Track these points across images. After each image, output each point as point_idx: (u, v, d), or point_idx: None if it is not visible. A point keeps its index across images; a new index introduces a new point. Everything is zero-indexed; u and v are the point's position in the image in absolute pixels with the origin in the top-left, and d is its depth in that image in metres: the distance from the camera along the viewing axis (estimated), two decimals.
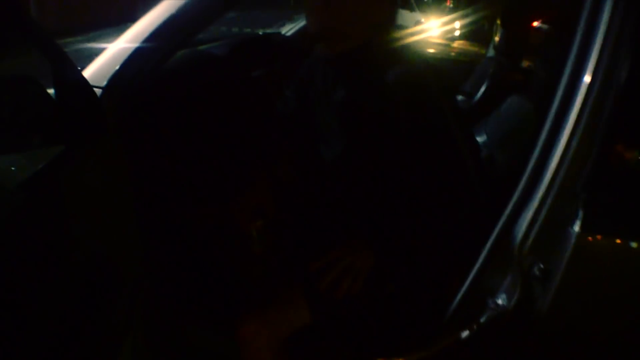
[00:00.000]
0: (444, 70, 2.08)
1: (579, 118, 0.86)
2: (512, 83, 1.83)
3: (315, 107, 1.27)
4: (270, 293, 1.18)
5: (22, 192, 0.83)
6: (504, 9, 2.08)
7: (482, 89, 1.99)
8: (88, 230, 0.94)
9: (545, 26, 1.97)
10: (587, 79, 0.86)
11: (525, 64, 2.15)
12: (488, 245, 1.03)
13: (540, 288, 0.95)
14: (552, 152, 0.90)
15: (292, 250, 1.26)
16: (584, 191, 0.87)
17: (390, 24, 1.13)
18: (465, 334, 1.14)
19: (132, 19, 1.13)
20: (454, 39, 5.12)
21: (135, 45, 1.06)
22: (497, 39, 2.12)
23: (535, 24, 2.01)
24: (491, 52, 2.28)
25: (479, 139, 1.61)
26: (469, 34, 4.90)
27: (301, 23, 2.50)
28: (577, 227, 0.86)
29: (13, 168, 1.03)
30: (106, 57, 1.05)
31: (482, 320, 1.11)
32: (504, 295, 1.04)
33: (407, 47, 1.13)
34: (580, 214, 0.86)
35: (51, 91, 0.92)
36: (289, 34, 2.38)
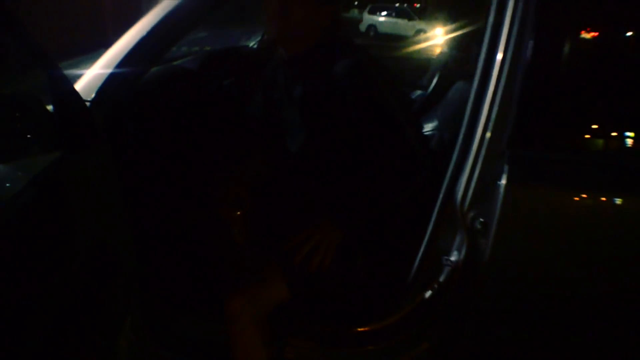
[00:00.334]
0: (388, 64, 2.24)
1: (496, 89, 1.02)
2: (461, 72, 2.00)
3: (280, 105, 1.41)
4: (252, 273, 1.30)
5: (30, 189, 0.94)
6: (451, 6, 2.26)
7: (434, 82, 2.16)
8: (87, 223, 1.05)
9: None
10: (499, 56, 1.02)
11: None
12: (436, 208, 1.17)
13: (482, 240, 1.09)
14: (478, 119, 1.05)
15: (269, 234, 1.39)
16: (507, 149, 1.02)
17: (335, 27, 1.28)
18: (428, 294, 1.28)
19: (105, 45, 1.27)
20: None
21: (115, 63, 1.20)
22: None
23: None
24: (445, 48, 2.47)
25: (431, 124, 1.77)
26: None
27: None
28: (504, 180, 1.01)
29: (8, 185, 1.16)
30: (92, 75, 1.18)
31: (441, 279, 1.25)
32: (455, 252, 1.18)
33: (352, 45, 1.29)
34: (506, 168, 1.01)
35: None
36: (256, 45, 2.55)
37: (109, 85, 1.20)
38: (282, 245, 1.29)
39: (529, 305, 1.12)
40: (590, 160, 1.06)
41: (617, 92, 1.05)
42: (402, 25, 15.59)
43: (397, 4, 18.00)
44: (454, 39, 2.17)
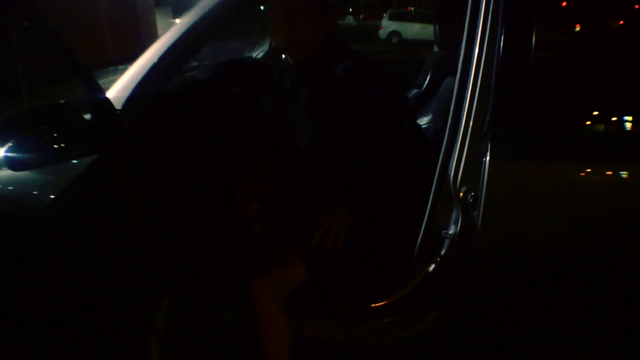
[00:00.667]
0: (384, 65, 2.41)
1: (476, 78, 1.18)
2: (451, 69, 2.15)
3: (288, 107, 1.58)
4: (272, 257, 1.45)
5: (74, 188, 1.10)
6: (437, 7, 2.44)
7: (427, 79, 2.32)
8: (125, 217, 1.21)
9: None
10: (476, 51, 1.18)
11: None
12: (433, 186, 1.32)
13: (474, 212, 1.24)
14: (463, 106, 1.20)
15: (285, 222, 1.54)
16: (489, 129, 1.18)
17: (334, 34, 1.45)
18: (432, 267, 1.42)
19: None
20: None
21: (141, 74, 1.37)
22: None
23: None
24: (436, 48, 2.63)
25: (427, 118, 1.93)
26: None
27: (267, 47, 2.86)
28: (488, 157, 1.16)
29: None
30: (120, 85, 1.36)
31: (442, 252, 1.39)
32: (453, 226, 1.32)
33: (350, 49, 1.45)
34: (489, 146, 1.16)
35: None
36: (259, 56, 2.74)
37: (136, 94, 1.37)
38: (298, 230, 1.44)
39: (518, 267, 1.26)
40: (559, 135, 1.22)
41: (578, 76, 1.21)
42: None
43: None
44: (439, 38, 2.32)
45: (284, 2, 1.33)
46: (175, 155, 1.61)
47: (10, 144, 1.11)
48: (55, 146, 1.13)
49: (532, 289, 1.29)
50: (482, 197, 1.18)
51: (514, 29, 1.14)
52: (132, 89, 1.33)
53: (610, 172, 1.18)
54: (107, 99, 1.26)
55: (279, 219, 1.56)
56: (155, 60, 1.38)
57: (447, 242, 1.35)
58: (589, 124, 1.26)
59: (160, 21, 18.96)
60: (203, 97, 1.78)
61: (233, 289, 1.52)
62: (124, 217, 1.22)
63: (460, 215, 1.27)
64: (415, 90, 2.50)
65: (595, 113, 1.24)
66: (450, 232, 1.33)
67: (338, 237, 1.41)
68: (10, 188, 1.45)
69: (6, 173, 1.82)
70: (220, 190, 1.59)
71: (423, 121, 1.93)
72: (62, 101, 1.17)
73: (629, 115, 1.22)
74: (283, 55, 2.44)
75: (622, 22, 1.29)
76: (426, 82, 2.31)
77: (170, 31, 1.42)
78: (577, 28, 1.25)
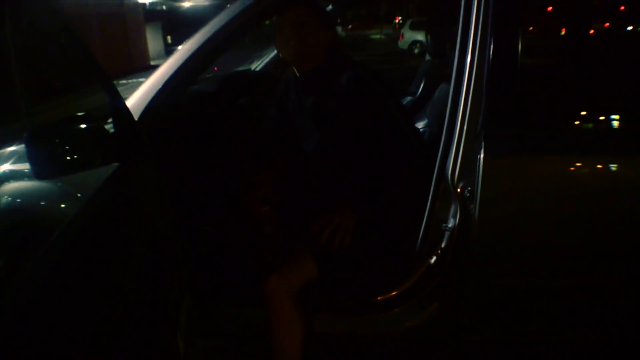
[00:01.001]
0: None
1: (469, 83, 1.30)
2: (443, 77, 2.29)
3: (293, 115, 1.69)
4: (283, 256, 1.55)
5: (102, 194, 1.19)
6: (428, 20, 2.58)
7: (421, 86, 2.45)
8: (147, 221, 1.31)
9: None
10: (468, 59, 1.30)
11: None
12: (432, 183, 1.43)
13: (471, 205, 1.35)
14: (458, 108, 1.32)
15: (295, 223, 1.64)
16: (482, 129, 1.30)
17: (336, 46, 1.56)
18: (433, 259, 1.52)
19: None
20: None
21: (157, 87, 1.48)
22: None
23: None
24: (428, 57, 2.77)
25: (422, 123, 2.05)
26: None
27: (266, 59, 2.98)
28: (482, 154, 1.28)
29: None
30: (137, 96, 1.46)
31: (443, 245, 1.49)
32: (452, 219, 1.43)
33: (351, 61, 1.57)
34: (483, 145, 1.28)
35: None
36: (258, 68, 2.87)
37: (153, 104, 1.48)
38: (308, 230, 1.54)
39: (514, 255, 1.37)
40: (546, 133, 1.34)
41: (560, 78, 1.33)
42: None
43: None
44: (431, 47, 2.46)
45: (291, 18, 1.45)
46: (188, 163, 1.71)
47: (34, 154, 1.20)
48: (78, 156, 1.22)
49: (527, 275, 1.40)
50: (478, 191, 1.30)
51: (502, 40, 1.26)
52: (150, 99, 1.44)
53: (592, 165, 1.30)
54: (127, 109, 1.36)
55: (289, 220, 1.66)
56: (171, 72, 1.49)
57: (447, 234, 1.45)
58: (572, 122, 1.39)
59: (150, 37, 19.14)
60: (211, 109, 1.88)
61: (246, 289, 1.61)
62: (146, 221, 1.31)
63: (459, 209, 1.38)
64: (409, 98, 2.63)
65: (578, 111, 1.37)
66: (450, 225, 1.43)
67: (345, 235, 1.51)
68: (34, 196, 1.54)
69: (23, 184, 1.94)
70: (232, 195, 1.69)
71: (419, 126, 2.04)
72: (83, 112, 1.26)
73: (608, 112, 1.34)
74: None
75: (598, 29, 1.42)
76: (420, 89, 2.44)
77: (184, 46, 1.53)
78: (559, 35, 1.38)
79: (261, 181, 1.66)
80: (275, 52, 2.98)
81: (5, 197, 2.10)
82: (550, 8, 1.32)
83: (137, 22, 17.90)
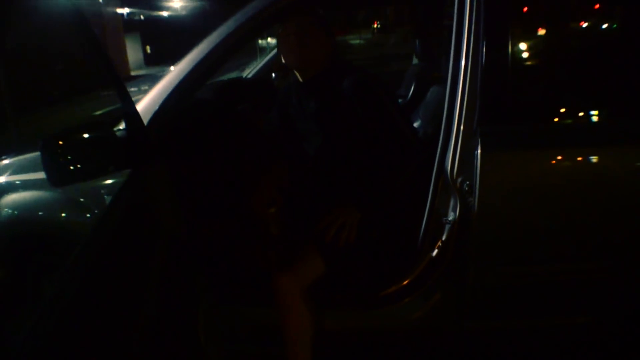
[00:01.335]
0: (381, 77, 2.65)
1: (464, 85, 1.39)
2: (432, 79, 2.39)
3: (295, 119, 1.76)
4: (292, 255, 1.61)
5: (124, 194, 1.23)
6: (417, 25, 2.69)
7: (412, 89, 2.55)
8: (164, 224, 1.36)
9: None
10: (463, 62, 1.40)
11: None
12: (432, 179, 1.51)
13: (470, 198, 1.43)
14: (455, 107, 1.41)
15: (300, 222, 1.70)
16: (478, 126, 1.39)
17: (336, 52, 1.64)
18: (435, 252, 1.60)
19: None
20: None
21: (164, 94, 1.54)
22: None
23: None
24: (415, 61, 2.87)
25: (416, 124, 2.14)
26: None
27: (258, 67, 3.06)
28: (479, 150, 1.37)
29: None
30: (146, 102, 1.51)
31: (443, 237, 1.57)
32: (452, 213, 1.51)
33: (351, 66, 1.65)
34: (479, 141, 1.37)
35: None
36: (250, 75, 2.94)
37: (161, 110, 1.53)
38: (314, 228, 1.61)
39: (512, 244, 1.46)
40: (536, 128, 1.44)
41: (548, 77, 1.44)
42: None
43: None
44: (421, 51, 2.56)
45: (295, 27, 1.53)
46: (193, 168, 1.77)
47: (49, 163, 1.24)
48: (91, 163, 1.27)
49: (525, 262, 1.49)
50: (477, 185, 1.38)
51: (493, 43, 1.36)
52: (159, 105, 1.50)
53: (580, 157, 1.40)
54: (139, 115, 1.41)
55: (294, 220, 1.72)
56: (180, 79, 1.55)
57: (447, 227, 1.52)
58: (561, 117, 1.49)
59: (129, 48, 19.01)
60: (212, 116, 1.94)
61: (254, 289, 1.67)
62: (162, 226, 1.36)
63: (458, 203, 1.46)
64: (399, 100, 2.72)
65: (566, 107, 1.47)
66: (450, 218, 1.51)
67: (350, 232, 1.58)
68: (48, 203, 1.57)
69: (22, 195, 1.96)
70: (238, 198, 1.75)
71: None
72: (96, 120, 1.30)
73: (595, 107, 1.45)
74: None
75: (582, 28, 1.54)
76: (411, 91, 2.54)
77: (191, 54, 1.59)
78: (547, 37, 1.49)
79: (266, 184, 1.72)
80: (266, 60, 3.06)
81: (7, 209, 2.12)
82: (538, 13, 1.42)
83: (117, 32, 17.79)
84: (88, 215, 1.92)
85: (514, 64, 1.39)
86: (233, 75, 3.42)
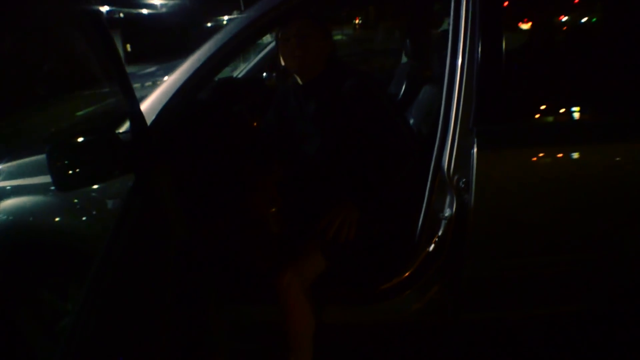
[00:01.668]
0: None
1: (460, 84, 1.44)
2: (424, 78, 2.44)
3: (293, 120, 1.79)
4: (294, 252, 1.64)
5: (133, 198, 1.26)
6: (407, 24, 2.75)
7: (403, 88, 2.60)
8: (171, 227, 1.38)
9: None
10: (459, 62, 1.45)
11: None
12: (429, 177, 1.57)
13: (466, 195, 1.49)
14: (451, 107, 1.47)
15: (301, 221, 1.74)
16: (474, 126, 1.44)
17: (334, 55, 1.68)
18: (432, 246, 1.65)
19: None
20: None
21: (165, 98, 1.56)
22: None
23: None
24: (404, 59, 2.92)
25: (410, 122, 2.19)
26: None
27: (248, 66, 3.08)
28: (475, 149, 1.43)
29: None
30: (148, 104, 1.53)
31: (440, 233, 1.63)
32: (448, 209, 1.57)
33: (349, 67, 1.69)
34: (475, 140, 1.43)
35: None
36: (241, 75, 2.97)
37: (163, 113, 1.55)
38: (315, 225, 1.65)
39: (506, 237, 1.53)
40: (529, 127, 1.50)
41: (541, 78, 1.51)
42: None
43: None
44: (412, 50, 2.61)
45: (295, 30, 1.56)
46: (192, 169, 1.79)
47: (55, 168, 1.25)
48: (97, 168, 1.29)
49: (519, 255, 1.55)
50: (473, 182, 1.44)
51: (489, 45, 1.42)
52: (160, 108, 1.52)
53: (573, 154, 1.47)
54: (144, 119, 1.42)
55: (294, 219, 1.76)
56: (181, 82, 1.57)
57: (444, 223, 1.58)
58: (556, 116, 1.57)
59: None
60: (207, 116, 1.96)
61: (257, 287, 1.70)
62: (170, 228, 1.39)
63: (455, 200, 1.52)
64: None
65: (560, 106, 1.55)
66: (447, 214, 1.57)
67: (350, 229, 1.63)
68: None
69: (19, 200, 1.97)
70: (237, 198, 1.78)
71: None
72: (100, 125, 1.32)
73: (588, 105, 1.53)
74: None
75: (577, 27, 1.61)
76: (402, 90, 2.59)
77: (192, 57, 1.61)
78: (539, 37, 1.55)
79: (266, 184, 1.76)
80: (256, 60, 3.08)
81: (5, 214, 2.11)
82: (533, 13, 1.49)
83: None
84: (84, 218, 1.92)
85: (509, 63, 1.45)
86: (224, 74, 3.42)
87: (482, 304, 1.66)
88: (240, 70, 3.15)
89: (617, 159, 1.48)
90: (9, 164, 2.11)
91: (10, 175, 2.05)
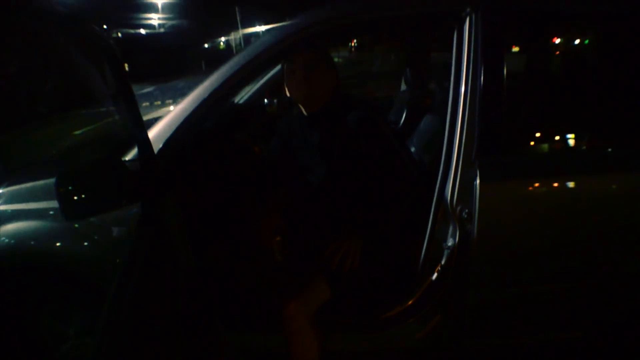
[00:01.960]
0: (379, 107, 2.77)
1: (463, 117, 1.49)
2: (424, 106, 2.50)
3: (298, 150, 1.82)
4: (297, 282, 1.66)
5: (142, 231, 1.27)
6: (408, 53, 2.82)
7: (404, 116, 2.65)
8: (180, 255, 1.40)
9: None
10: (461, 96, 1.50)
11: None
12: (432, 207, 1.60)
13: (469, 225, 1.52)
14: (454, 138, 1.51)
15: (306, 249, 1.76)
16: (477, 158, 1.48)
17: (338, 86, 1.72)
18: (435, 276, 1.67)
19: None
20: None
21: (172, 128, 1.59)
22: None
23: None
24: (404, 87, 2.98)
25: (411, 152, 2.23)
26: None
27: (250, 92, 3.12)
28: (478, 180, 1.46)
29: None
30: (155, 132, 1.56)
31: (443, 262, 1.65)
32: (451, 239, 1.59)
33: (353, 99, 1.73)
34: (478, 172, 1.46)
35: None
36: (242, 101, 3.00)
37: (172, 139, 1.58)
38: (319, 255, 1.66)
39: (508, 267, 1.55)
40: (531, 158, 1.54)
41: (540, 111, 1.55)
42: None
43: None
44: (411, 80, 2.67)
45: (302, 62, 1.60)
46: (198, 196, 1.81)
47: (64, 197, 1.27)
48: (105, 197, 1.30)
49: (521, 283, 1.58)
50: (476, 213, 1.47)
51: (491, 80, 1.47)
52: (167, 137, 1.55)
53: (574, 185, 1.51)
54: (152, 148, 1.45)
55: (298, 248, 1.78)
56: (188, 112, 1.60)
57: (447, 252, 1.61)
58: (555, 148, 1.61)
59: None
60: (211, 142, 1.99)
61: (262, 316, 1.71)
62: (180, 257, 1.41)
63: (457, 230, 1.55)
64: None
65: (558, 138, 1.59)
66: (449, 244, 1.60)
67: (354, 258, 1.65)
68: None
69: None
70: (245, 227, 1.79)
71: None
72: (108, 154, 1.35)
73: (585, 138, 1.57)
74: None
75: (577, 61, 1.67)
76: (403, 118, 2.64)
77: (198, 89, 1.64)
78: (540, 71, 1.61)
79: (271, 212, 1.78)
80: (258, 86, 3.12)
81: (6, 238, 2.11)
82: (532, 48, 1.55)
83: None
84: (85, 243, 1.93)
85: (511, 97, 1.49)
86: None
87: (484, 332, 1.68)
88: (241, 96, 3.19)
89: (624, 188, 1.51)
90: (9, 188, 2.12)
91: (11, 199, 2.06)
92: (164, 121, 1.64)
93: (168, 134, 1.60)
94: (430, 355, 1.75)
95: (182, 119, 1.59)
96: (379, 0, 1.61)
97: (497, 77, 1.47)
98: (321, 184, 1.75)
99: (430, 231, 1.64)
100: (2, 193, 2.16)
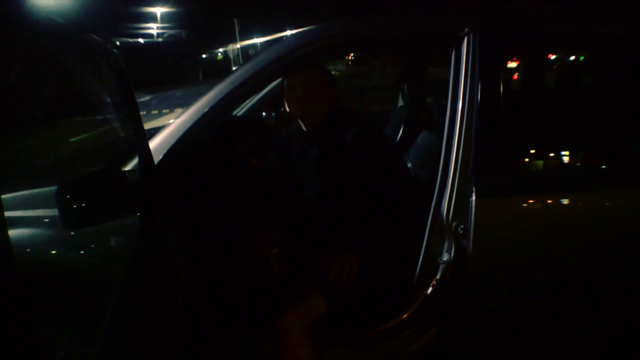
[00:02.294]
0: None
1: (459, 135, 1.52)
2: (421, 123, 2.53)
3: (296, 164, 1.85)
4: (293, 294, 1.67)
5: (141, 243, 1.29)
6: (404, 70, 2.86)
7: (401, 131, 2.68)
8: (178, 267, 1.41)
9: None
10: (458, 114, 1.53)
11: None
12: (428, 222, 1.62)
13: (464, 241, 1.54)
14: (451, 155, 1.54)
15: (303, 262, 1.77)
16: (473, 174, 1.51)
17: (337, 101, 1.75)
18: (430, 290, 1.69)
19: None
20: None
21: (171, 141, 1.61)
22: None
23: None
24: (401, 102, 3.02)
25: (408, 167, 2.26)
26: None
27: (249, 104, 3.14)
28: (474, 197, 1.49)
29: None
30: (155, 143, 1.57)
31: (438, 276, 1.67)
32: (446, 254, 1.62)
33: (351, 114, 1.76)
34: (474, 188, 1.49)
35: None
36: (240, 113, 3.03)
37: (171, 152, 1.60)
38: (315, 268, 1.68)
39: (503, 282, 1.57)
40: (529, 176, 1.57)
41: (535, 130, 1.59)
42: None
43: None
44: (408, 96, 2.71)
45: (302, 79, 1.63)
46: (195, 209, 1.82)
47: (64, 207, 1.28)
48: (104, 207, 1.32)
49: (515, 297, 1.60)
50: (471, 228, 1.50)
51: (487, 99, 1.50)
52: (167, 149, 1.57)
53: (568, 202, 1.54)
54: (152, 159, 1.46)
55: (295, 261, 1.79)
56: (187, 125, 1.62)
57: (442, 267, 1.63)
58: (549, 165, 1.65)
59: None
60: (210, 155, 2.01)
61: (258, 328, 1.71)
62: (177, 268, 1.42)
63: (453, 245, 1.57)
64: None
65: (553, 156, 1.63)
66: (445, 259, 1.62)
67: (350, 272, 1.66)
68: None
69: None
70: (239, 239, 1.80)
71: None
72: (108, 165, 1.36)
73: (580, 155, 1.61)
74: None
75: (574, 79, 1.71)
76: (399, 134, 2.67)
77: (198, 103, 1.66)
78: (536, 90, 1.65)
79: (268, 225, 1.79)
80: (256, 98, 3.15)
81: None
82: (530, 68, 1.59)
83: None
84: (82, 251, 1.93)
85: (507, 115, 1.53)
86: None
87: (479, 345, 1.69)
88: (240, 108, 3.21)
89: (617, 206, 1.55)
90: (5, 195, 2.13)
91: (7, 207, 2.06)
92: (164, 133, 1.66)
93: (168, 146, 1.62)
94: None
95: (182, 131, 1.62)
96: (379, 19, 1.64)
97: (493, 96, 1.51)
98: (318, 198, 1.77)
99: (426, 246, 1.66)
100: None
